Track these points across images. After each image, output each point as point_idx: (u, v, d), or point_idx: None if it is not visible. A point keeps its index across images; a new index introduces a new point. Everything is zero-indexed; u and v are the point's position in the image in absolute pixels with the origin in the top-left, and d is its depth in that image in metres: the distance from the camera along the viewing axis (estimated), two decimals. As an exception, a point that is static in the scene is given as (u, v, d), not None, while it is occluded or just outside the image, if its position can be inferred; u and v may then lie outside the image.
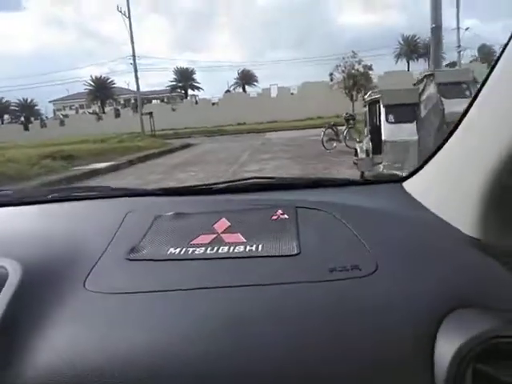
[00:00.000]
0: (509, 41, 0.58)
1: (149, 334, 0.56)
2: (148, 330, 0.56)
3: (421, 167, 0.87)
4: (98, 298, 0.61)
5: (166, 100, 50.90)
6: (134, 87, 32.56)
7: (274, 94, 42.27)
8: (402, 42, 46.45)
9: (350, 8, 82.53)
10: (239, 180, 1.02)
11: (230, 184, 1.01)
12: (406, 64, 45.99)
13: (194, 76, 56.04)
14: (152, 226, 0.79)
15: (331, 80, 24.77)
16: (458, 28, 27.34)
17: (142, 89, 61.08)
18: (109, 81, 50.26)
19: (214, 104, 42.75)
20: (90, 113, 46.64)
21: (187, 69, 54.14)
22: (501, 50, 0.60)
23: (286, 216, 0.79)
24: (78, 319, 0.59)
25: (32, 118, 47.08)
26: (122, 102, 55.86)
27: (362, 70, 23.44)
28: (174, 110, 43.28)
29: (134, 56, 29.61)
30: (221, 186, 0.99)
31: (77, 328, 0.58)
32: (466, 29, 28.23)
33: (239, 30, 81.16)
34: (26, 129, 42.92)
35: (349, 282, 0.60)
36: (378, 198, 0.91)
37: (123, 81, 74.31)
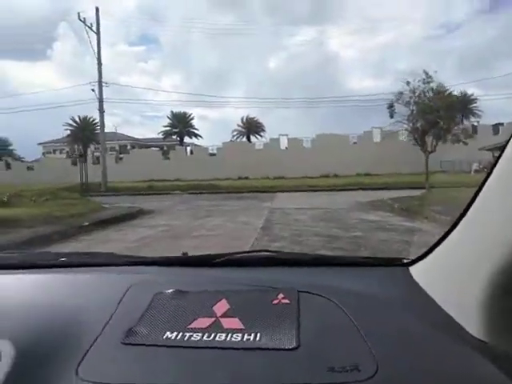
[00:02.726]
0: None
1: None
2: None
3: (429, 252, 0.80)
4: None
5: (165, 148, 42.76)
6: (136, 134, 24.79)
7: (283, 145, 34.01)
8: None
9: (360, 72, 76.74)
10: (244, 252, 0.99)
11: (234, 256, 0.96)
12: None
13: (192, 122, 47.89)
14: (151, 305, 0.74)
15: (391, 116, 15.15)
16: None
17: (148, 137, 53.42)
18: (94, 123, 42.10)
19: (212, 155, 34.45)
20: (70, 157, 38.53)
21: (185, 113, 46.16)
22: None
23: (287, 301, 0.73)
24: None
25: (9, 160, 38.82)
26: (117, 147, 47.88)
27: (439, 102, 13.52)
28: (166, 158, 35.13)
29: (100, 82, 21.62)
30: (225, 258, 0.94)
31: None
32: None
33: (251, 88, 75.44)
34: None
35: None
36: (383, 282, 0.84)
37: (112, 125, 66.78)
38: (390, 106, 14.53)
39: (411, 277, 0.83)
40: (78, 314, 0.71)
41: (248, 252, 0.99)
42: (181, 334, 0.65)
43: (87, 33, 21.17)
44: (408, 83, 14.15)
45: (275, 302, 0.73)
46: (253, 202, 13.67)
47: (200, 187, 21.09)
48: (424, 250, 0.82)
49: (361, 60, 77.43)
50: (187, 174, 29.87)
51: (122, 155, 37.53)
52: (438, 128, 13.62)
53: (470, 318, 0.62)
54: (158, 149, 42.19)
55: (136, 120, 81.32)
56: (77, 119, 42.14)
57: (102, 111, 22.24)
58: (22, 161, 41.50)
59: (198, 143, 45.00)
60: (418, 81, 14.14)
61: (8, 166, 35.72)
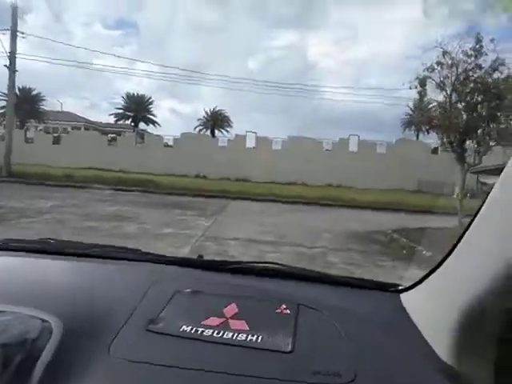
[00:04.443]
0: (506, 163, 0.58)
1: None
2: None
3: (421, 281, 0.85)
4: (121, 365, 0.64)
5: (113, 133, 36.23)
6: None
7: (250, 144, 28.86)
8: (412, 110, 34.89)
9: (334, 84, 72.38)
10: (254, 262, 1.07)
11: (245, 265, 1.04)
12: (415, 133, 33.98)
13: (151, 106, 40.78)
14: (171, 301, 0.82)
15: (420, 98, 9.09)
16: None
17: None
18: (35, 94, 35.13)
19: (167, 146, 28.76)
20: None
21: (142, 96, 39.60)
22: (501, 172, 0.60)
23: (288, 311, 0.81)
24: None
25: None
26: (70, 129, 40.86)
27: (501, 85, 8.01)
28: (111, 144, 29.08)
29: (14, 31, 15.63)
30: (237, 265, 1.02)
31: None
32: None
33: (226, 85, 69.75)
34: None
35: None
36: (375, 305, 0.91)
37: (57, 102, 58.74)
38: (422, 84, 8.75)
39: (400, 302, 0.89)
40: (108, 300, 0.80)
41: (258, 262, 1.05)
42: (195, 328, 0.73)
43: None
44: (444, 54, 8.46)
45: (278, 311, 0.81)
46: (184, 218, 8.46)
47: (129, 182, 15.55)
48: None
49: (337, 71, 73.45)
50: (134, 165, 24.21)
51: (61, 135, 31.06)
52: (498, 124, 8.33)
53: (442, 342, 0.67)
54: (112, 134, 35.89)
55: (104, 105, 73.63)
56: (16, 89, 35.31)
57: (13, 70, 16.16)
58: None
59: (158, 132, 38.92)
60: (462, 52, 8.52)
61: None
